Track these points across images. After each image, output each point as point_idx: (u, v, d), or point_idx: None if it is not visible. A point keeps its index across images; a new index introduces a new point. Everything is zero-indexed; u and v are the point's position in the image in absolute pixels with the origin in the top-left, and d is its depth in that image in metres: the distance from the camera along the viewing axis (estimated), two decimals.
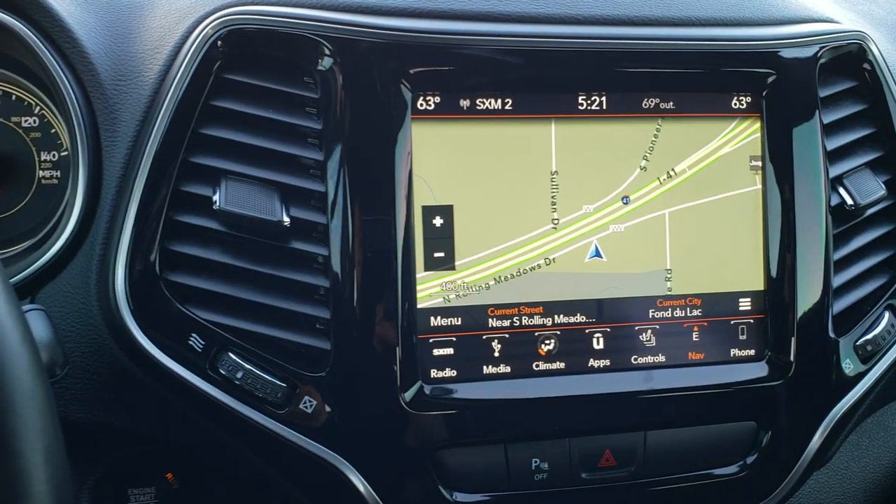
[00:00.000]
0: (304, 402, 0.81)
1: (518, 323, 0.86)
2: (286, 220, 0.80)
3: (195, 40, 0.80)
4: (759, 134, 0.92)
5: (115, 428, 0.85)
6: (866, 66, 0.97)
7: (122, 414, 0.84)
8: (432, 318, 0.84)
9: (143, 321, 0.78)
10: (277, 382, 0.80)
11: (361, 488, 0.82)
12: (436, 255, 0.84)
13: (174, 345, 0.79)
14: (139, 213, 0.79)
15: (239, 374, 0.79)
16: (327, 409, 0.81)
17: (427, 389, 0.83)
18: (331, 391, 0.81)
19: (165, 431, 0.86)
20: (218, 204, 0.79)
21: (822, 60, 0.93)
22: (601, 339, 0.88)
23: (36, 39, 0.83)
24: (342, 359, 0.81)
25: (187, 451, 0.89)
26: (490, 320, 0.86)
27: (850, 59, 0.97)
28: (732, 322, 0.92)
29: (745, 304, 0.92)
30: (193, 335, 0.79)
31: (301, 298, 0.81)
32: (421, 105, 0.83)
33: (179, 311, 0.79)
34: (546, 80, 0.86)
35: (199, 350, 0.79)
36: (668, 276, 0.90)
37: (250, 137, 0.81)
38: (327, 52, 0.80)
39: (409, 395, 0.82)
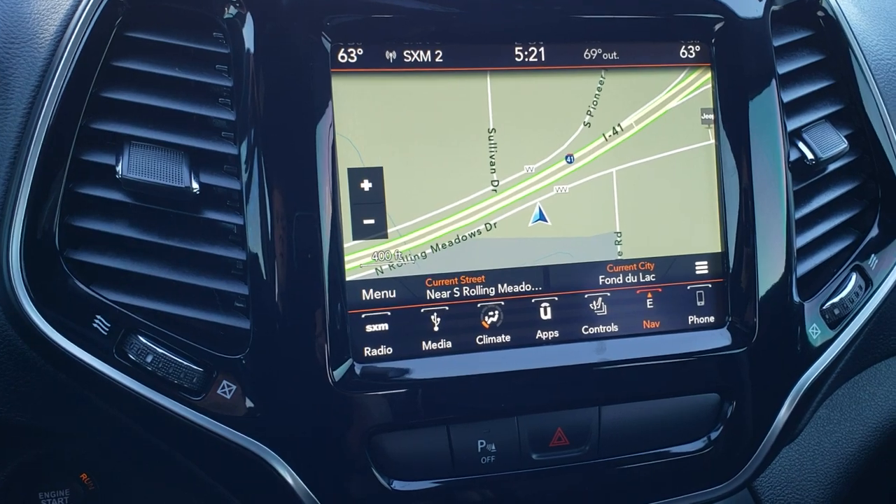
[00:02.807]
0: (223, 388, 0.74)
1: (458, 294, 0.80)
2: (195, 186, 0.74)
3: None
4: (709, 85, 0.86)
5: (17, 424, 0.78)
6: (820, 13, 0.92)
7: (25, 408, 0.77)
8: (364, 292, 0.78)
9: (42, 302, 0.72)
10: (192, 367, 0.74)
11: (290, 480, 0.76)
12: (365, 222, 0.78)
13: (77, 327, 0.73)
14: (35, 184, 0.73)
15: (149, 359, 0.73)
16: (248, 394, 0.74)
17: (358, 368, 0.76)
18: (252, 374, 0.74)
19: (73, 426, 0.79)
20: (121, 172, 0.73)
21: (774, 7, 0.88)
22: (548, 309, 0.82)
23: None
24: (263, 339, 0.74)
25: (101, 447, 0.82)
26: (428, 292, 0.79)
27: (804, 6, 0.92)
28: (689, 287, 0.86)
29: (701, 267, 0.86)
30: (98, 317, 0.73)
31: (216, 274, 0.75)
32: (342, 58, 0.77)
33: (82, 291, 0.73)
34: (479, 30, 0.81)
35: (105, 333, 0.73)
36: (618, 239, 0.84)
37: (155, 99, 0.76)
38: (235, 0, 0.74)
39: (338, 374, 0.76)
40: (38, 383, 0.75)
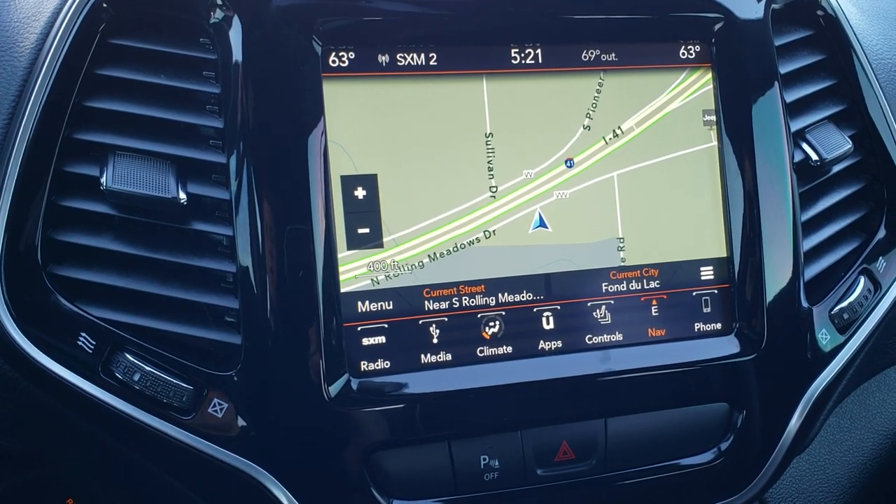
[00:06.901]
0: (214, 406, 0.71)
1: (458, 304, 0.77)
2: (183, 197, 0.71)
3: (75, 1, 0.72)
4: (710, 86, 0.84)
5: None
6: (820, 12, 0.91)
7: (6, 430, 0.74)
8: (359, 303, 0.75)
9: (24, 319, 0.69)
10: (182, 384, 0.71)
11: (286, 501, 0.73)
12: (360, 231, 0.75)
13: (60, 345, 0.70)
14: (15, 198, 0.70)
15: (137, 377, 0.70)
16: (240, 412, 0.72)
17: (355, 383, 0.74)
18: (244, 391, 0.72)
19: (58, 449, 0.76)
20: (105, 183, 0.70)
21: (774, 6, 0.87)
22: (551, 319, 0.79)
23: None
24: (255, 354, 0.72)
25: (87, 471, 0.79)
26: (426, 303, 0.77)
27: (804, 5, 0.90)
28: (695, 293, 0.83)
29: (707, 272, 0.84)
30: (83, 334, 0.70)
31: (205, 287, 0.73)
32: (333, 61, 0.75)
33: (66, 308, 0.70)
34: (474, 31, 0.78)
35: (90, 351, 0.70)
36: (621, 245, 0.81)
37: (140, 107, 0.73)
38: (221, 3, 0.72)
39: (334, 389, 0.73)
40: (19, 404, 0.72)
